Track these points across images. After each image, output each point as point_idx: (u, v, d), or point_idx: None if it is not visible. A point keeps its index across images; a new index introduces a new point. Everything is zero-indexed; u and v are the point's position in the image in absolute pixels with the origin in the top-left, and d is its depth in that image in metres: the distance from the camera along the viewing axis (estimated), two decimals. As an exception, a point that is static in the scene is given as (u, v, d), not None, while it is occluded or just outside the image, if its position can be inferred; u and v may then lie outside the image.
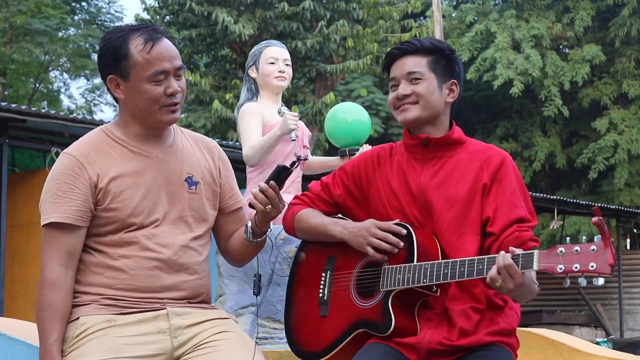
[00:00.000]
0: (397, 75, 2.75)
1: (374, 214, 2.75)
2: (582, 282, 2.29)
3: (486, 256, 2.46)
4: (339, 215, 2.87)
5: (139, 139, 2.65)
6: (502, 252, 2.39)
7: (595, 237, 2.28)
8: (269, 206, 2.63)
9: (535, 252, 2.34)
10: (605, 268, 2.24)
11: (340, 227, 2.75)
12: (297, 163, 2.81)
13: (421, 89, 2.71)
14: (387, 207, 2.73)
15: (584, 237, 2.33)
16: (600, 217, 2.25)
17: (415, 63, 2.72)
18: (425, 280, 2.54)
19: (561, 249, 2.30)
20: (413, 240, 2.60)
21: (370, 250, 2.65)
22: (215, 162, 2.78)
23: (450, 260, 2.53)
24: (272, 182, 2.64)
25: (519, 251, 2.38)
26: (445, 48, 2.76)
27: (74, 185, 2.56)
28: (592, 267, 2.25)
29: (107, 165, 2.59)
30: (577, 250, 2.28)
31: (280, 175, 2.67)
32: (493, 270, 2.37)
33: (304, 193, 2.94)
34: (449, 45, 2.81)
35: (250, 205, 2.67)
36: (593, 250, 2.26)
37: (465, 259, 2.50)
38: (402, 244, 2.60)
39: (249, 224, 2.71)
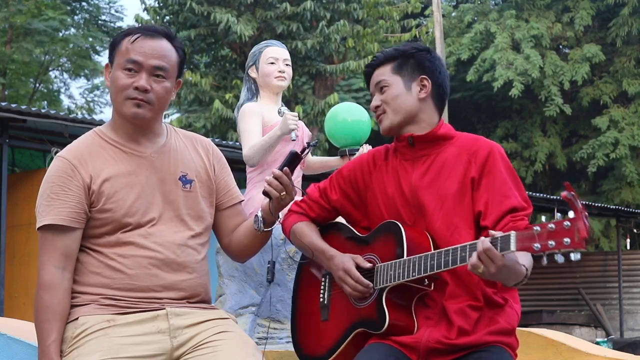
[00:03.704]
0: (371, 90, 2.84)
1: (371, 216, 2.78)
2: (560, 258, 2.26)
3: (468, 243, 2.46)
4: (339, 218, 2.89)
5: (131, 139, 2.65)
6: (482, 238, 2.38)
7: (569, 213, 2.26)
8: (284, 193, 2.64)
9: (513, 233, 2.33)
10: (579, 242, 2.22)
11: (325, 260, 2.78)
12: (307, 149, 2.83)
13: (386, 95, 2.76)
14: (382, 209, 2.75)
15: (558, 214, 2.31)
16: (572, 193, 2.24)
17: (380, 73, 2.80)
18: (414, 274, 2.55)
19: (537, 227, 2.29)
20: (402, 236, 2.61)
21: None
22: (209, 160, 2.78)
23: (436, 251, 2.54)
24: (285, 168, 2.65)
25: (497, 234, 2.37)
26: (409, 48, 2.79)
27: (67, 188, 2.57)
28: (567, 242, 2.23)
29: (100, 166, 2.60)
30: (551, 228, 2.26)
31: (294, 161, 2.68)
32: (473, 257, 2.36)
33: (302, 199, 2.95)
34: (419, 44, 2.84)
35: (264, 193, 2.67)
36: (567, 225, 2.24)
37: (449, 247, 2.50)
38: (370, 285, 2.65)
39: (260, 214, 2.71)
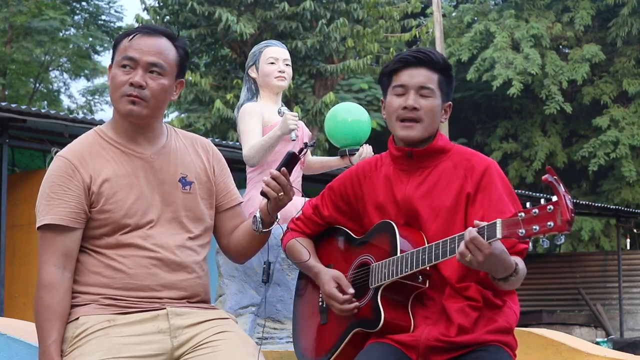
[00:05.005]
0: (407, 84, 2.69)
1: (365, 227, 2.79)
2: (545, 243, 2.28)
3: (457, 235, 2.48)
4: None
5: (130, 140, 2.65)
6: (469, 228, 2.40)
7: (552, 197, 2.27)
8: (282, 193, 2.64)
9: (498, 220, 2.35)
10: (562, 224, 2.23)
11: (312, 276, 2.84)
12: (305, 149, 2.83)
13: (429, 107, 2.69)
14: (373, 217, 2.76)
15: (542, 200, 2.31)
16: (555, 177, 2.24)
17: (429, 78, 2.69)
18: (407, 269, 2.56)
19: (521, 213, 2.31)
20: (396, 235, 2.62)
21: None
22: (209, 161, 2.78)
23: (427, 245, 2.56)
24: (283, 168, 2.65)
25: (483, 223, 2.39)
26: (450, 67, 2.75)
27: (67, 187, 2.57)
28: (550, 225, 2.24)
29: (100, 167, 2.60)
30: (535, 212, 2.28)
31: (291, 161, 2.68)
32: (461, 246, 2.39)
33: (298, 217, 2.97)
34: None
35: (262, 194, 2.67)
36: (550, 209, 2.25)
37: (439, 241, 2.52)
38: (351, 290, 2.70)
39: (258, 214, 2.70)
